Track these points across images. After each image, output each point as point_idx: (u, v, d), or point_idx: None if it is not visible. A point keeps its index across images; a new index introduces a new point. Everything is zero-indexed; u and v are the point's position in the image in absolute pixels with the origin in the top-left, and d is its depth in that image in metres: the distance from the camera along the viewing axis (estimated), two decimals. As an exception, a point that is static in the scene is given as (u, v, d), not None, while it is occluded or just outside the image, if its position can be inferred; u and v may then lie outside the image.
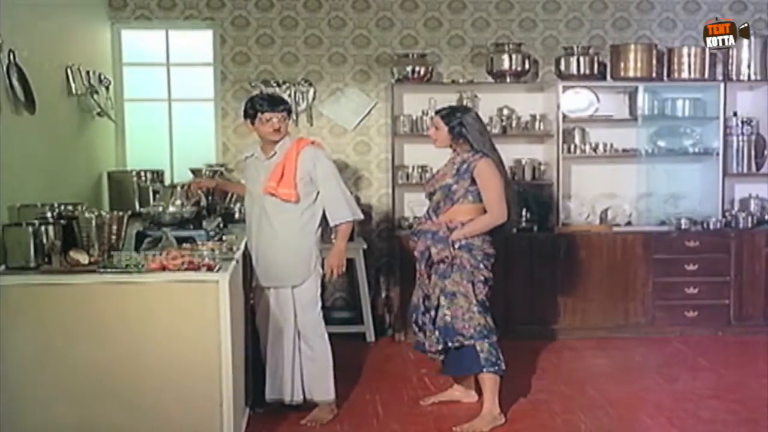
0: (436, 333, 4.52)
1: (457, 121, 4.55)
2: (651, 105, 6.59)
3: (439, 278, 4.51)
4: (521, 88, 6.65)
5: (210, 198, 5.21)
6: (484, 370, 4.47)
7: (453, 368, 4.62)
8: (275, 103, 4.52)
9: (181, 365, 3.66)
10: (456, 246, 4.46)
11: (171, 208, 4.61)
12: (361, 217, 4.69)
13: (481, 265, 4.49)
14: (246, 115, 4.54)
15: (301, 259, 4.51)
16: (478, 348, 4.45)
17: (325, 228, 4.63)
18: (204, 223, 4.83)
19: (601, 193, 6.71)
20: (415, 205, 6.47)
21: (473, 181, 4.48)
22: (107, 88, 6.08)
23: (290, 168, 4.44)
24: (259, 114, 4.47)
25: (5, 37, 4.11)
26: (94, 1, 6.38)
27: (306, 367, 4.59)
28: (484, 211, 4.50)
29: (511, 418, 4.59)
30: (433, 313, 4.54)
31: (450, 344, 4.49)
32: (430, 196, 4.65)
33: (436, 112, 4.72)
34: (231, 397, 3.71)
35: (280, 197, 4.43)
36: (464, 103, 6.48)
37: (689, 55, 6.51)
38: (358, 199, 6.11)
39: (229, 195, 5.65)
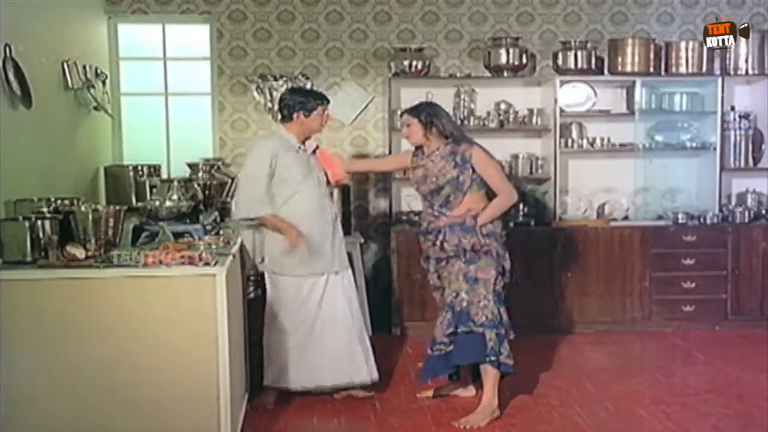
0: (449, 316, 4.55)
1: (425, 111, 4.65)
2: (648, 99, 6.58)
3: (466, 264, 4.54)
4: (519, 82, 6.65)
5: (207, 192, 5.20)
6: (488, 359, 4.49)
7: (460, 355, 4.58)
8: (326, 97, 4.77)
9: (178, 359, 3.66)
10: (483, 232, 4.53)
11: (168, 203, 4.59)
12: None
13: (507, 254, 4.61)
14: (301, 108, 4.62)
15: None
16: (487, 336, 4.48)
17: None
18: (201, 217, 4.81)
19: (599, 188, 6.71)
20: (412, 199, 6.47)
21: (473, 170, 4.56)
22: (104, 83, 6.06)
23: (327, 156, 4.85)
24: (319, 107, 4.66)
25: (1, 31, 4.09)
26: (91, -5, 6.37)
27: (356, 348, 4.70)
28: (488, 197, 4.58)
29: (508, 412, 4.59)
30: (449, 299, 4.57)
31: (459, 329, 4.51)
32: (432, 193, 4.64)
33: (402, 113, 4.83)
34: (228, 391, 3.72)
35: (342, 181, 4.99)
36: (462, 97, 6.54)
37: (687, 50, 6.51)
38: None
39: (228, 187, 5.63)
